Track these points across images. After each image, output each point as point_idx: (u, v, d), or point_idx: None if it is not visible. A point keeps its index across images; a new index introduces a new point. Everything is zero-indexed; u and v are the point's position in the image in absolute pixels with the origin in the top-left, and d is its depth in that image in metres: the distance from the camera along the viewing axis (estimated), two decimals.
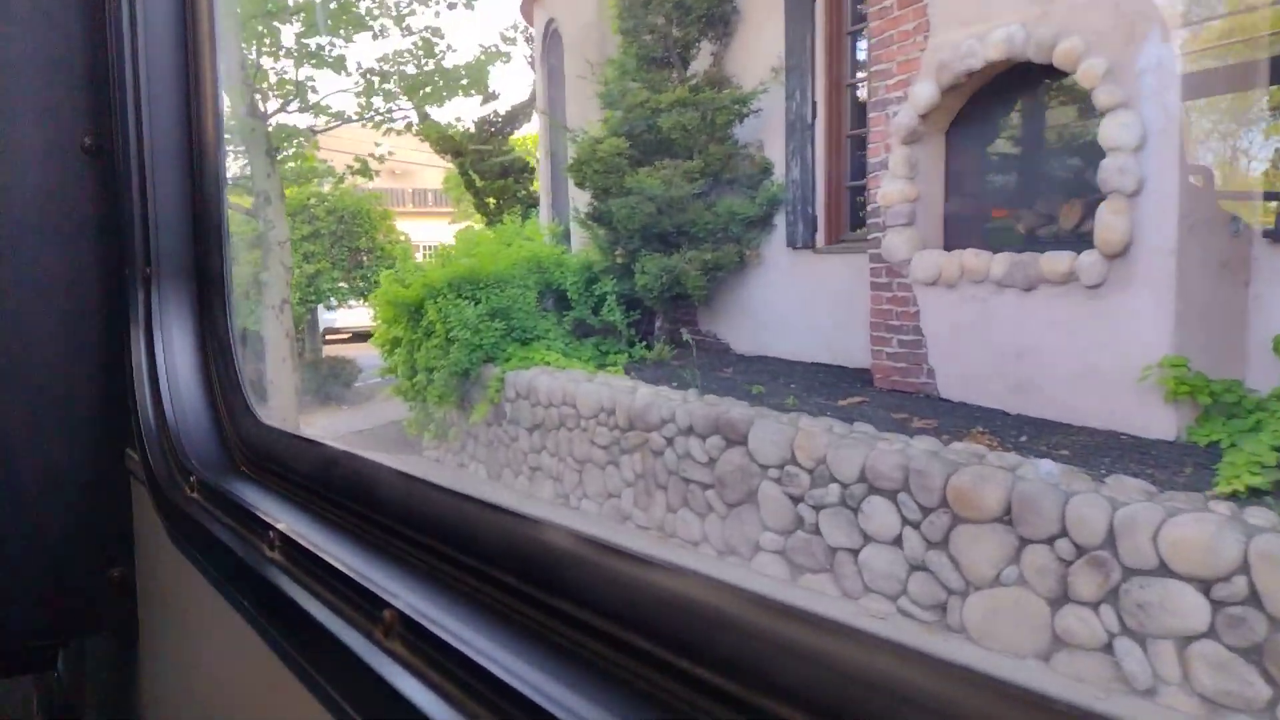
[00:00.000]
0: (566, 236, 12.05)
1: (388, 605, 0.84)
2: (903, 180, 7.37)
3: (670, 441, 6.83)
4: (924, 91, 7.08)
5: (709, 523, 6.57)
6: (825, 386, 7.69)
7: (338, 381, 14.62)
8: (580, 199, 10.70)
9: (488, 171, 17.96)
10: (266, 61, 12.18)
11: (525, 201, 17.30)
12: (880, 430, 5.92)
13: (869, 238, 7.80)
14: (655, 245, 9.68)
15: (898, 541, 5.24)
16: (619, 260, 9.97)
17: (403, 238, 16.18)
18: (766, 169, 9.63)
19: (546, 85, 13.44)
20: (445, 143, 17.81)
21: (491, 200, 17.98)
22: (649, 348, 9.72)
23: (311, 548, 1.03)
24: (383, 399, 13.16)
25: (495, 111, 18.08)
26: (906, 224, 7.36)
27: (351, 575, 0.92)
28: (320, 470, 1.24)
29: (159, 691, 1.93)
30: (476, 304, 9.37)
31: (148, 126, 1.76)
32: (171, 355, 1.73)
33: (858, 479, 5.45)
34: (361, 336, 15.08)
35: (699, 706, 0.59)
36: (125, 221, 1.85)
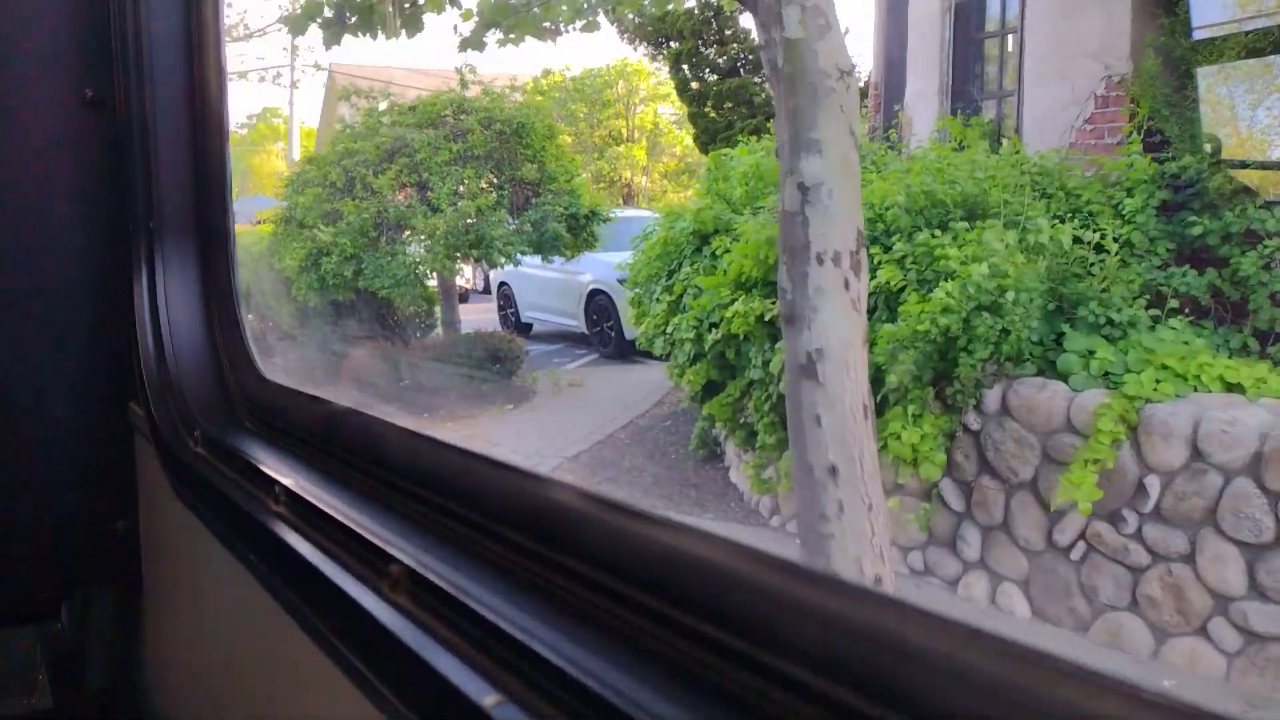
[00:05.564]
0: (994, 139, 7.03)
1: (394, 560, 0.84)
2: None
3: None
4: None
5: None
6: None
7: (499, 367, 10.00)
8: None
9: (711, 68, 12.93)
10: None
11: (765, 109, 11.96)
12: None
13: None
14: None
15: None
16: None
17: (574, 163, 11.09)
18: None
19: None
20: (657, 26, 12.64)
21: (711, 110, 12.95)
22: None
23: (317, 502, 1.03)
24: (550, 392, 9.89)
25: None
26: None
27: (358, 530, 0.93)
28: (325, 426, 1.24)
29: (163, 644, 1.95)
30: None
31: (150, 79, 1.74)
32: (175, 309, 1.72)
33: None
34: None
35: (706, 663, 0.60)
36: (128, 175, 1.84)
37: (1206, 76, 5.88)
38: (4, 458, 1.91)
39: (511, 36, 7.38)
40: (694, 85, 13.14)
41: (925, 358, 4.65)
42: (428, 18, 7.30)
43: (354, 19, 7.25)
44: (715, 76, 13.06)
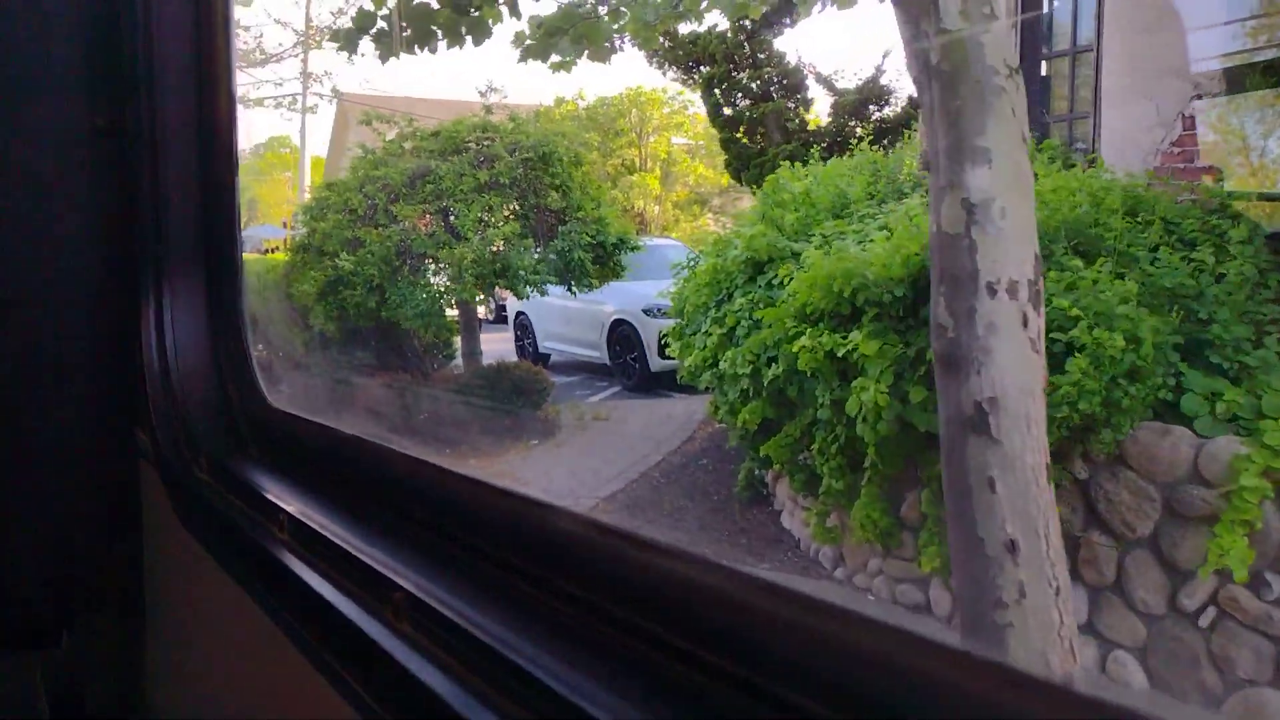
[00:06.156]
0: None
1: (398, 587, 0.84)
2: None
3: None
4: None
5: None
6: None
7: (523, 400, 9.62)
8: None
9: (744, 92, 12.38)
10: None
11: (799, 135, 11.81)
12: None
13: None
14: None
15: None
16: None
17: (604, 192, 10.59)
18: None
19: None
20: (688, 50, 12.07)
21: (743, 134, 12.34)
22: None
23: (322, 530, 1.03)
24: (575, 427, 9.60)
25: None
26: None
27: (362, 558, 0.93)
28: (329, 454, 1.25)
29: (166, 670, 1.95)
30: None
31: (160, 108, 1.76)
32: (181, 336, 1.73)
33: None
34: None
35: (707, 688, 0.60)
36: (136, 203, 1.85)
37: (1216, 106, 5.79)
38: (7, 481, 1.92)
39: (567, 59, 6.98)
40: (726, 110, 12.47)
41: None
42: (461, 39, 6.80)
43: (408, 31, 6.68)
44: (748, 101, 12.42)
